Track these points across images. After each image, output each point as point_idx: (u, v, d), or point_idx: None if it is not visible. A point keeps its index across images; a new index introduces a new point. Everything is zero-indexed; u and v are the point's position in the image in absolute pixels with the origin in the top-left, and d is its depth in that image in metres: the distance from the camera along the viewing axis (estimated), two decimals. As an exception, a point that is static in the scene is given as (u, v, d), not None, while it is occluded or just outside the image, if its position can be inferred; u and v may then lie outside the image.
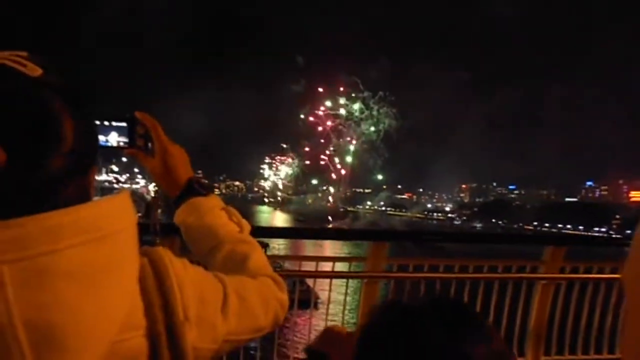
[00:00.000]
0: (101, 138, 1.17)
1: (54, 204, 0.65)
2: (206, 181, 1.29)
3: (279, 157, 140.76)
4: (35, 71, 0.69)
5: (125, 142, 1.20)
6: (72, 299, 0.62)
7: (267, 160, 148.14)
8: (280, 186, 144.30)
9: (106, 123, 1.18)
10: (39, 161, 0.68)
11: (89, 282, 0.64)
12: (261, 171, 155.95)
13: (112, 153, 1.25)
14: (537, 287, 3.69)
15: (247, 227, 1.26)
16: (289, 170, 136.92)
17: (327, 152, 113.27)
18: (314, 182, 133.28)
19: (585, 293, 3.76)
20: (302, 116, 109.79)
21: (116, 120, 1.19)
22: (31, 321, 0.59)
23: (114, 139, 1.19)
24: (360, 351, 0.85)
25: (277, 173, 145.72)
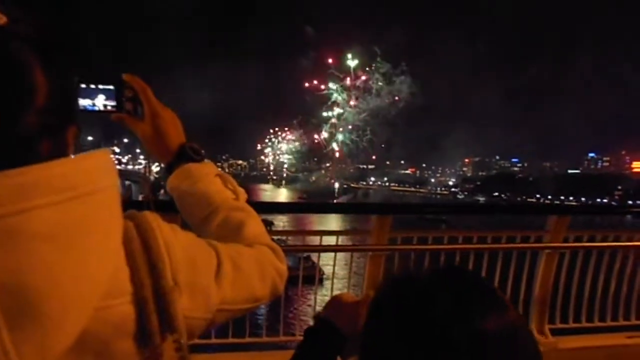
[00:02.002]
0: (87, 102, 1.11)
1: (25, 162, 0.59)
2: (199, 147, 1.22)
3: (283, 132, 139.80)
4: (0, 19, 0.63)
5: (112, 106, 1.14)
6: (48, 262, 0.57)
7: (271, 136, 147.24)
8: (285, 163, 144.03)
9: (92, 86, 1.12)
10: (7, 116, 0.63)
11: (66, 244, 0.59)
12: (265, 149, 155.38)
13: (107, 122, 1.19)
14: (541, 256, 3.70)
15: (242, 194, 1.21)
16: (293, 147, 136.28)
17: (331, 129, 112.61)
18: (316, 159, 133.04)
19: (589, 262, 3.77)
20: (307, 84, 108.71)
21: (102, 83, 1.13)
22: (3, 285, 0.55)
23: (100, 102, 1.13)
24: (368, 323, 0.84)
25: (280, 150, 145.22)
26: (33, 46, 0.66)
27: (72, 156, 0.72)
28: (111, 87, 1.14)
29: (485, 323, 0.72)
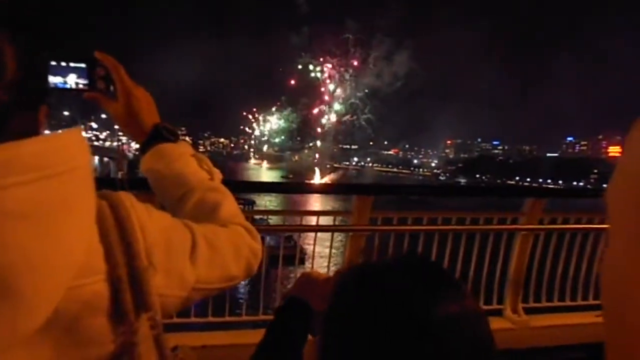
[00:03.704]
0: (58, 79, 1.09)
1: None
2: (174, 127, 1.21)
3: (269, 110, 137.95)
4: None
5: (84, 84, 1.12)
6: (21, 241, 0.57)
7: (256, 114, 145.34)
8: (269, 142, 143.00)
9: (63, 64, 1.10)
10: None
11: (39, 223, 0.59)
12: (249, 127, 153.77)
13: (80, 101, 1.17)
14: (517, 237, 3.78)
15: (218, 174, 1.21)
16: (278, 125, 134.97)
17: (321, 107, 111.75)
18: (299, 138, 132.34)
19: (562, 243, 3.87)
20: (299, 67, 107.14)
21: (74, 61, 1.11)
22: None
23: (72, 80, 1.11)
24: (331, 304, 0.85)
25: (264, 129, 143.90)
26: (0, 22, 0.64)
27: (45, 134, 0.71)
28: (82, 65, 1.12)
29: (443, 309, 0.75)
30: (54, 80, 1.10)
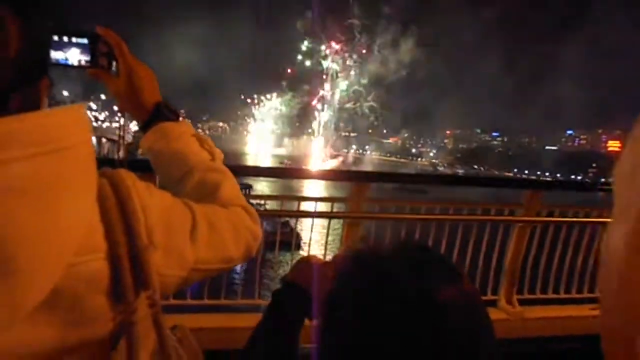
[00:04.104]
0: (59, 55, 1.07)
1: None
2: (175, 106, 1.20)
3: (270, 95, 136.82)
4: None
5: (86, 61, 1.11)
6: (20, 217, 0.56)
7: (256, 98, 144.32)
8: (266, 127, 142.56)
9: (65, 39, 1.08)
10: None
11: (38, 199, 0.58)
12: (248, 112, 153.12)
13: (75, 74, 1.15)
14: (514, 229, 3.79)
15: (219, 155, 1.20)
16: (279, 110, 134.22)
17: (322, 93, 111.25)
18: (298, 124, 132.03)
19: (559, 236, 3.88)
20: (302, 50, 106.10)
21: (76, 36, 1.08)
22: None
23: (74, 57, 1.09)
24: (331, 289, 0.85)
25: (264, 113, 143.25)
26: None
27: (46, 109, 0.71)
28: (85, 40, 1.10)
29: (442, 293, 0.75)
30: (55, 56, 1.08)
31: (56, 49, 1.08)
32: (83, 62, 1.11)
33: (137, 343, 0.73)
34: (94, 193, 0.69)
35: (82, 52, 1.10)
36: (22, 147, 0.57)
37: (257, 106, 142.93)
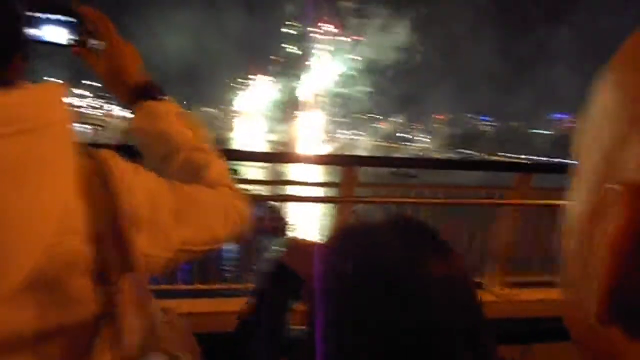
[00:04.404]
0: (39, 33, 1.05)
1: None
2: (159, 85, 1.18)
3: (257, 79, 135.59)
4: None
5: (70, 40, 1.09)
6: None
7: (243, 83, 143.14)
8: (258, 112, 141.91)
9: (47, 16, 1.05)
10: None
11: (14, 178, 0.57)
12: (236, 97, 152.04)
13: (58, 53, 1.14)
14: (503, 212, 3.80)
15: (205, 134, 1.18)
16: (268, 95, 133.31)
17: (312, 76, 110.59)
18: (287, 109, 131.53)
19: (549, 219, 3.90)
20: (294, 32, 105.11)
21: (61, 14, 1.06)
22: None
23: (56, 35, 1.06)
24: (321, 266, 0.85)
25: (251, 99, 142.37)
26: None
27: (23, 87, 0.68)
28: (70, 19, 1.08)
29: (433, 268, 0.75)
30: (36, 33, 1.04)
31: (39, 27, 1.05)
32: (66, 41, 1.09)
33: (122, 325, 0.72)
34: (72, 172, 0.67)
35: (68, 31, 1.08)
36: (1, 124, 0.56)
37: (244, 90, 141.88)
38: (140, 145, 1.17)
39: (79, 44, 1.10)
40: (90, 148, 0.75)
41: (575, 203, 0.38)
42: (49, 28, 1.06)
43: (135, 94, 1.15)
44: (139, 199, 0.75)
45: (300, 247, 1.16)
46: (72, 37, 1.09)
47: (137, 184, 0.76)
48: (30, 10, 1.03)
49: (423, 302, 0.73)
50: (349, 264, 0.78)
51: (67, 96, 0.68)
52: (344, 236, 0.85)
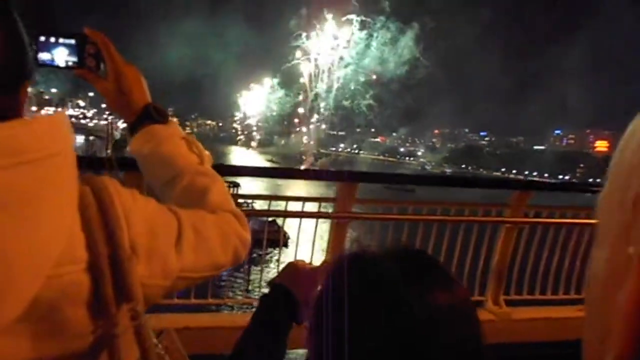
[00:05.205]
0: (47, 56, 1.07)
1: None
2: (164, 108, 1.18)
3: (257, 92, 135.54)
4: None
5: (74, 62, 1.10)
6: None
7: (245, 97, 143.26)
8: (254, 126, 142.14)
9: (52, 39, 1.08)
10: None
11: (15, 211, 0.57)
12: (237, 110, 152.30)
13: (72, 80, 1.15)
14: (501, 229, 3.80)
15: (208, 158, 1.17)
16: (268, 108, 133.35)
17: (313, 90, 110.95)
18: (286, 123, 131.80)
19: (546, 237, 3.90)
20: (298, 43, 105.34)
21: (63, 37, 1.09)
22: None
23: (61, 58, 1.09)
24: (323, 293, 0.86)
25: (252, 111, 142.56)
26: None
27: (25, 118, 0.69)
28: (72, 41, 1.10)
29: (433, 298, 0.75)
30: (42, 57, 1.08)
31: (43, 50, 1.08)
32: (70, 63, 1.11)
33: (119, 357, 0.71)
34: (75, 202, 0.67)
35: (69, 53, 1.10)
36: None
37: (245, 103, 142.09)
38: (143, 168, 1.17)
39: (82, 65, 1.12)
40: (89, 175, 0.74)
41: (601, 255, 0.38)
42: (54, 51, 1.09)
43: (138, 117, 1.15)
44: (138, 227, 0.74)
45: (300, 272, 1.17)
46: (74, 59, 1.11)
47: (136, 212, 0.75)
48: (36, 35, 1.07)
49: (426, 331, 0.73)
50: (349, 291, 0.79)
51: (69, 126, 0.68)
52: (345, 263, 0.85)
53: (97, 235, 0.68)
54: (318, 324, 0.83)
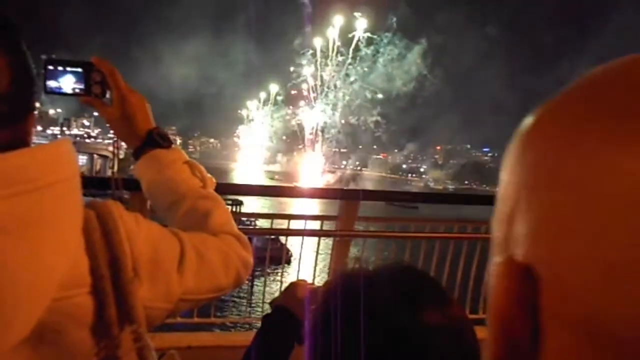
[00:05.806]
0: (54, 84, 1.11)
1: None
2: (168, 133, 1.22)
3: (262, 111, 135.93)
4: None
5: (80, 89, 1.14)
6: (3, 254, 0.56)
7: (247, 115, 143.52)
8: (257, 144, 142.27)
9: (60, 68, 1.12)
10: None
11: (21, 237, 0.58)
12: (239, 130, 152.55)
13: (74, 103, 1.19)
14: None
15: (210, 182, 1.20)
16: (272, 126, 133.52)
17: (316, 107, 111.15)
18: (289, 140, 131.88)
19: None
20: (303, 61, 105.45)
21: (70, 66, 1.12)
22: None
23: (68, 85, 1.13)
24: (319, 311, 0.86)
25: (251, 131, 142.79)
26: None
27: (32, 146, 0.71)
28: (79, 69, 1.14)
29: (428, 318, 0.76)
30: (50, 85, 1.12)
31: (51, 79, 1.12)
32: (77, 90, 1.15)
33: None
34: (79, 227, 0.69)
35: (76, 81, 1.14)
36: (4, 186, 0.57)
37: (248, 121, 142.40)
38: (146, 192, 1.20)
39: (88, 93, 1.15)
40: (94, 199, 0.76)
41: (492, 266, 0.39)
42: (61, 79, 1.13)
43: (142, 142, 1.17)
44: (141, 250, 0.76)
45: (300, 291, 1.18)
46: (81, 86, 1.14)
47: (139, 236, 0.77)
48: (45, 63, 1.11)
49: (421, 351, 0.74)
50: (348, 311, 0.79)
51: (74, 152, 0.70)
52: (344, 282, 0.86)
53: (100, 259, 0.70)
54: (313, 345, 0.84)
